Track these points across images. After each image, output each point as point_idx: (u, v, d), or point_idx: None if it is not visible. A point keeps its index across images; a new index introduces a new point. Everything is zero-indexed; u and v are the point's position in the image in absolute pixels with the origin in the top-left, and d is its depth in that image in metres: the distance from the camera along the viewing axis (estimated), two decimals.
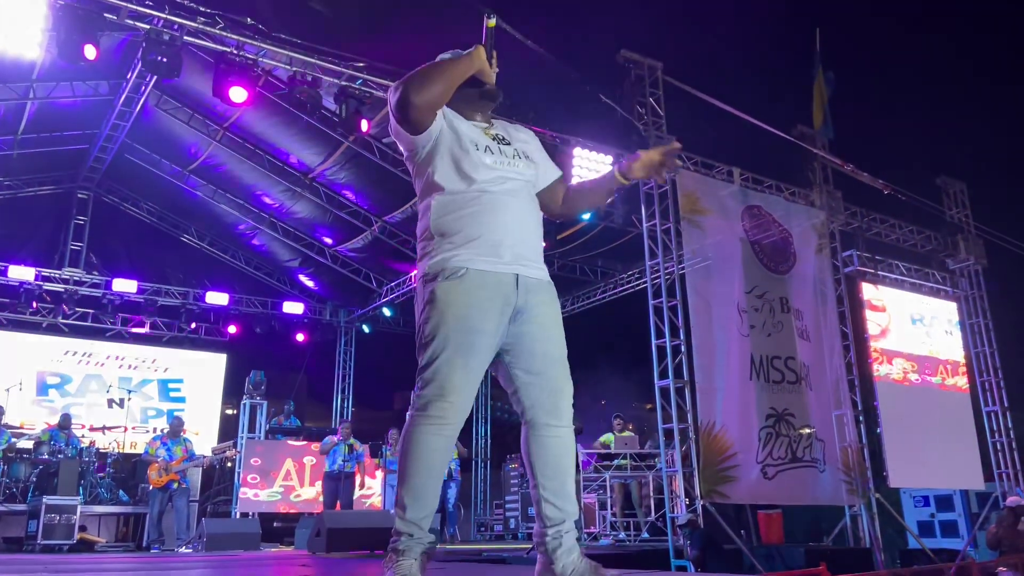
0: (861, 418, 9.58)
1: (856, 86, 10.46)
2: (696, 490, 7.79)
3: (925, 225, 11.42)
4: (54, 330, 13.13)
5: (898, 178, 9.67)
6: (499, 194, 2.31)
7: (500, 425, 15.23)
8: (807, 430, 8.82)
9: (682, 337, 8.29)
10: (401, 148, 2.44)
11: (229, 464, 11.46)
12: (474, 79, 2.43)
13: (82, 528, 8.89)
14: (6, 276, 12.14)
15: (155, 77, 8.07)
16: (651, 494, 9.97)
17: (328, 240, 13.23)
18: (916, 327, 10.90)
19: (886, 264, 11.21)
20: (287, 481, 11.45)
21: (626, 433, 10.26)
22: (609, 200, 2.77)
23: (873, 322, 10.33)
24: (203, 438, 13.10)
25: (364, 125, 8.04)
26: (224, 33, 7.09)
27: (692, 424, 8.03)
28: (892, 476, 9.45)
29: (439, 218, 2.30)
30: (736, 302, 8.69)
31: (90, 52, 6.54)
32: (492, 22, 2.47)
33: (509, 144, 2.44)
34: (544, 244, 2.49)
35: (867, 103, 10.95)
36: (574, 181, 8.73)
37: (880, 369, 10.13)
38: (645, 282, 8.92)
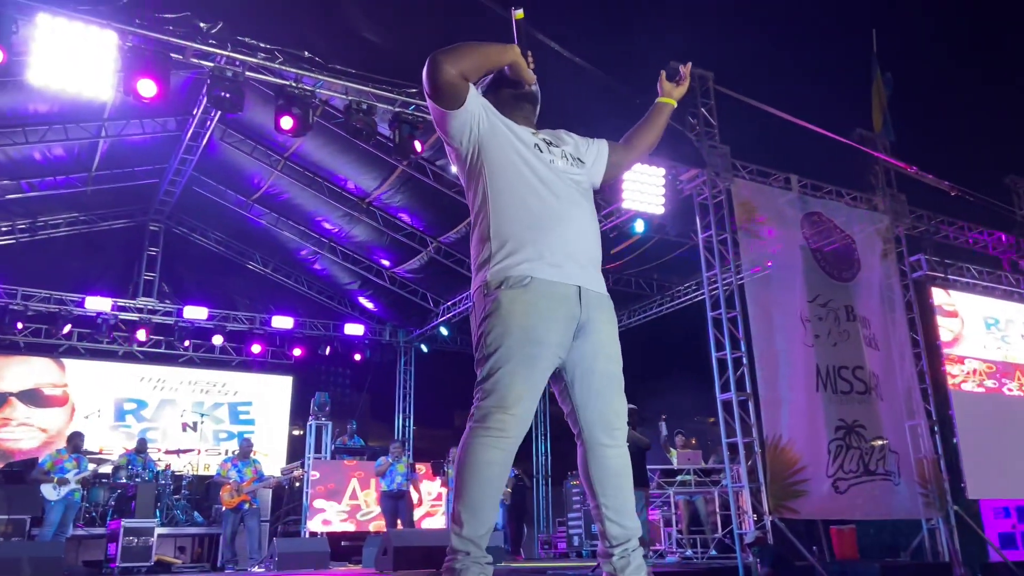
0: (936, 428, 9.25)
1: (916, 86, 10.16)
2: (764, 506, 7.62)
3: (995, 226, 11.01)
4: (130, 358, 13.68)
5: (965, 179, 9.34)
6: (558, 201, 2.28)
7: (560, 441, 15.17)
8: (879, 442, 8.55)
9: (743, 349, 8.15)
10: (447, 143, 2.37)
11: (297, 484, 11.71)
12: (513, 80, 2.42)
13: (186, 550, 9.16)
14: (84, 307, 12.71)
15: (219, 112, 8.38)
16: (717, 510, 9.80)
17: (386, 262, 13.47)
18: (991, 332, 10.50)
19: (956, 267, 10.85)
20: (353, 500, 11.63)
21: (688, 448, 10.12)
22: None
23: (945, 328, 9.98)
24: (272, 459, 13.44)
25: (418, 146, 8.16)
26: (283, 67, 7.33)
27: (757, 438, 7.88)
28: (970, 487, 9.08)
29: (498, 224, 2.25)
30: (799, 312, 8.51)
31: (144, 88, 6.79)
32: (520, 13, 2.41)
33: (557, 147, 2.43)
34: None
35: (928, 103, 10.62)
36: (625, 195, 8.63)
37: (954, 377, 9.78)
38: (702, 294, 8.81)
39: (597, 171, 2.57)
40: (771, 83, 8.90)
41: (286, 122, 7.48)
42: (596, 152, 2.58)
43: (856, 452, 8.33)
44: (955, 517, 8.84)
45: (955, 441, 9.39)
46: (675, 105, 2.73)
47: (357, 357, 14.85)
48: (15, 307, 12.29)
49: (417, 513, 11.23)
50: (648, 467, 9.83)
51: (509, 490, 11.34)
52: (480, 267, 2.27)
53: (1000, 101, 10.27)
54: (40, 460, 9.17)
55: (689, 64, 2.75)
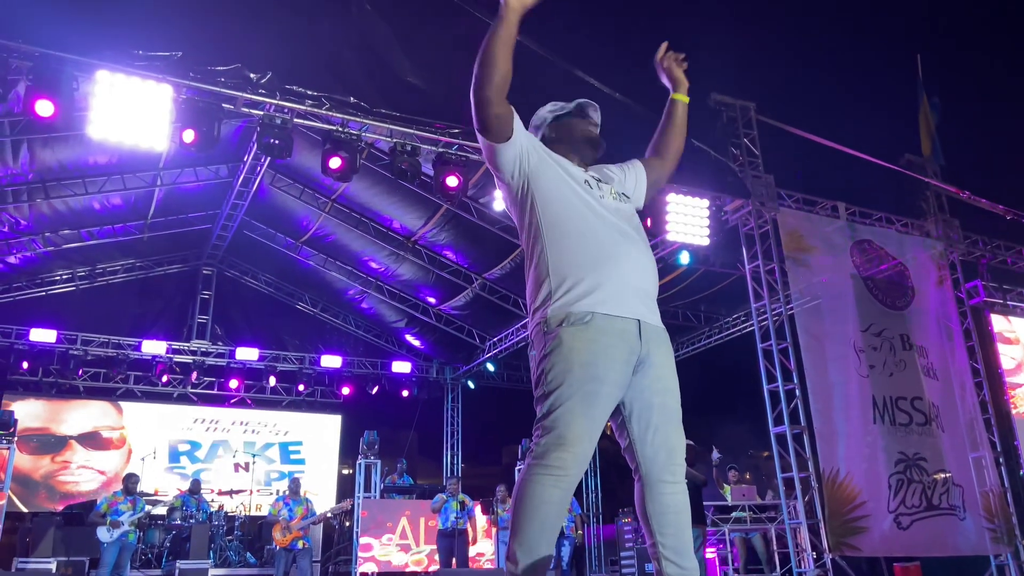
0: (1001, 459, 8.89)
1: (965, 110, 9.99)
2: (823, 543, 7.39)
3: None
4: (184, 399, 13.96)
5: (1021, 201, 9.10)
6: (613, 237, 2.28)
7: (611, 479, 14.96)
8: (942, 475, 8.26)
9: (796, 381, 7.99)
10: (498, 179, 2.40)
11: (347, 523, 11.72)
12: (582, 129, 2.48)
13: None
14: (140, 351, 13.05)
15: (269, 158, 8.61)
16: (775, 548, 9.52)
17: (432, 300, 13.57)
18: None
19: (1016, 293, 10.51)
20: (403, 540, 11.59)
21: (742, 483, 9.88)
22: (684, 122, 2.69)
23: (1006, 356, 9.66)
24: (322, 498, 13.51)
25: (452, 181, 8.17)
26: (330, 113, 7.52)
27: (814, 472, 7.68)
28: None
29: (555, 260, 2.25)
30: (852, 341, 8.33)
31: (188, 136, 7.06)
32: None
33: (606, 184, 2.45)
34: None
35: (978, 126, 10.43)
36: (669, 227, 8.55)
37: (1018, 405, 9.42)
38: (751, 325, 8.69)
39: (639, 196, 2.60)
40: (814, 111, 8.84)
41: (334, 162, 7.64)
42: (635, 178, 2.61)
43: (918, 486, 8.06)
44: None
45: (1022, 473, 9.02)
46: (687, 100, 2.67)
47: (405, 394, 14.93)
48: (75, 352, 12.68)
49: (472, 550, 11.13)
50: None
51: (581, 532, 11.18)
52: (539, 305, 2.27)
53: None
54: (97, 503, 9.36)
55: (666, 43, 2.68)
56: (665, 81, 2.69)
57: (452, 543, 9.81)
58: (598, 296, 2.19)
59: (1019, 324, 10.04)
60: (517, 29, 2.23)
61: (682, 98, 2.66)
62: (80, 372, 12.80)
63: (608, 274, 2.22)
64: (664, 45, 2.68)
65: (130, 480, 9.34)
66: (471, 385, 15.33)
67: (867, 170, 8.35)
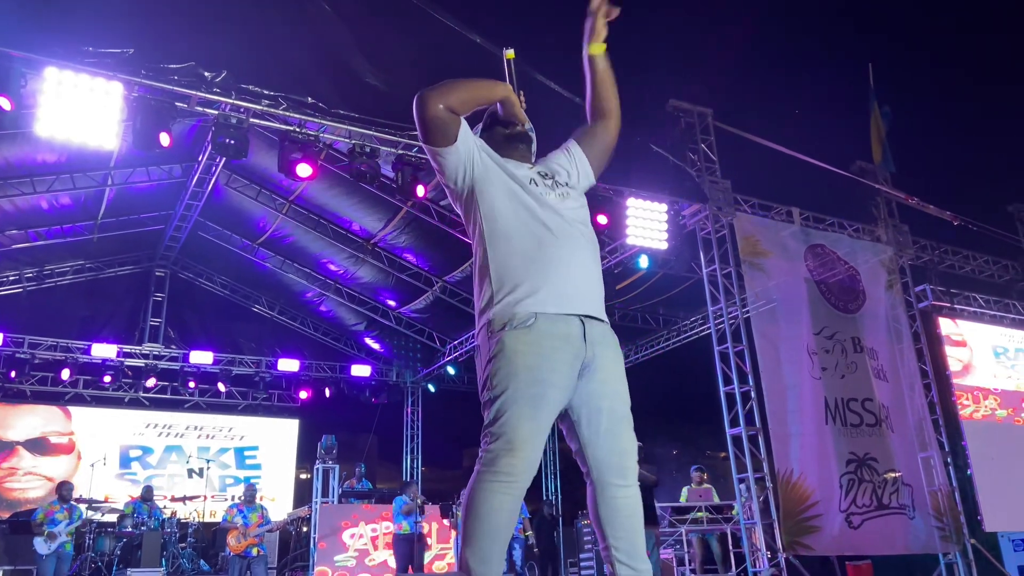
0: (949, 459, 9.13)
1: (915, 118, 10.26)
2: (778, 542, 7.51)
3: (1000, 255, 11.01)
4: (135, 404, 13.63)
5: (967, 208, 9.38)
6: (557, 238, 2.27)
7: (571, 480, 15.00)
8: (892, 475, 8.45)
9: (751, 383, 8.11)
10: (443, 183, 2.39)
11: (304, 529, 11.55)
12: (506, 120, 2.43)
13: None
14: (89, 354, 12.71)
15: (224, 158, 8.47)
16: (731, 548, 9.63)
17: (392, 303, 13.48)
18: (1000, 361, 10.43)
19: (962, 297, 10.82)
20: (361, 545, 11.46)
21: (703, 485, 9.98)
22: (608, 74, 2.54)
23: (954, 358, 9.93)
24: (279, 504, 13.31)
25: (420, 190, 8.22)
26: (287, 113, 7.42)
27: (769, 473, 7.80)
28: (987, 520, 8.94)
29: (497, 264, 2.25)
30: (805, 344, 8.49)
31: (165, 139, 6.93)
32: (510, 53, 2.41)
33: (551, 178, 2.42)
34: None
35: (928, 135, 10.71)
36: (628, 231, 8.60)
37: (965, 406, 9.69)
38: (709, 328, 8.80)
39: (585, 177, 2.55)
40: (770, 118, 8.99)
41: (304, 170, 7.53)
42: (575, 161, 2.55)
43: (869, 485, 8.23)
44: (972, 551, 8.69)
45: (969, 472, 9.28)
46: (602, 50, 2.50)
47: (366, 398, 14.78)
48: (21, 355, 12.30)
49: (427, 556, 11.05)
50: (659, 504, 9.70)
51: (531, 532, 11.11)
52: (483, 308, 2.27)
53: (1000, 132, 10.35)
54: (34, 512, 9.07)
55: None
56: (585, 33, 2.51)
57: (411, 548, 9.71)
58: (539, 297, 2.19)
59: (966, 327, 10.33)
60: (492, 102, 2.42)
61: (596, 49, 2.50)
62: (15, 375, 12.35)
63: (550, 276, 2.22)
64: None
65: (64, 488, 9.05)
66: (432, 388, 15.25)
67: (820, 176, 8.54)
